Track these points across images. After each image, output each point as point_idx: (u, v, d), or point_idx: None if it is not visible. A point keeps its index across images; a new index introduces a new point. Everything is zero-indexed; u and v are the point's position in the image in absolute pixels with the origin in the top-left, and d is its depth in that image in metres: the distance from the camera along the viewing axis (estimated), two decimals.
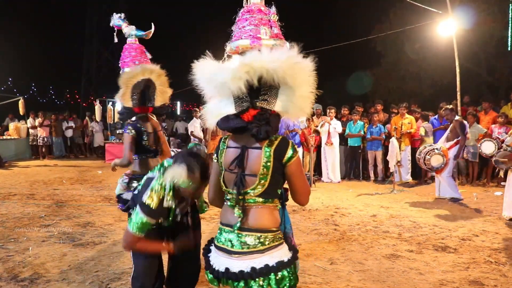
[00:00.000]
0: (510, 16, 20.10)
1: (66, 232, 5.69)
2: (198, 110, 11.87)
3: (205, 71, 2.06)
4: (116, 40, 4.12)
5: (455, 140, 7.62)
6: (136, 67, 3.89)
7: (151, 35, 4.30)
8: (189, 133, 12.49)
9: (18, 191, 8.79)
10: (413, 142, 10.09)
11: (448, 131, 7.97)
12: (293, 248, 2.11)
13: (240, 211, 2.04)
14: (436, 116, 10.14)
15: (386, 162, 9.82)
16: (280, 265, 1.98)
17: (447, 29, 9.48)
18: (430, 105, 12.82)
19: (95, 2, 31.13)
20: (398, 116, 10.27)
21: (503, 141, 6.35)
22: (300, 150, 9.97)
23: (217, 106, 2.10)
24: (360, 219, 6.40)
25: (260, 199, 2.04)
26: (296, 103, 2.01)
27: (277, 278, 1.96)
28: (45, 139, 16.04)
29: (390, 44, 22.48)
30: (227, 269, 2.01)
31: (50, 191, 8.95)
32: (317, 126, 10.46)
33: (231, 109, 2.04)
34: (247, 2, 2.46)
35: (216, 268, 2.06)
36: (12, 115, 16.96)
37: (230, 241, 2.04)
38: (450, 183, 7.75)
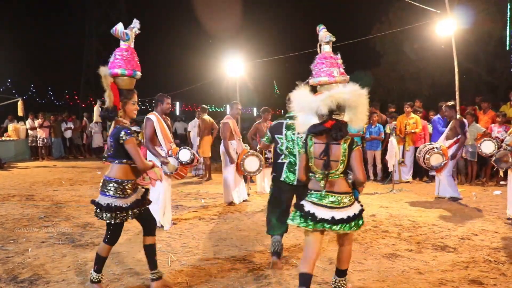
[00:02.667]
0: (508, 16, 20.16)
1: (65, 233, 5.69)
2: (206, 107, 11.71)
3: (304, 99, 3.37)
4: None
5: (454, 139, 7.61)
6: None
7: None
8: (187, 133, 12.50)
9: (18, 192, 8.79)
10: (416, 142, 10.07)
11: (447, 129, 7.95)
12: (360, 204, 3.34)
13: (324, 182, 3.20)
14: (439, 116, 10.08)
15: (385, 162, 9.82)
16: (360, 214, 3.26)
17: (446, 29, 9.48)
18: (430, 104, 12.80)
19: (94, 3, 31.10)
20: (403, 115, 10.25)
21: (502, 141, 6.35)
22: None
23: (306, 119, 3.35)
24: None
25: (341, 175, 3.25)
26: (357, 116, 3.29)
27: (358, 221, 3.23)
28: (45, 140, 16.03)
29: (389, 44, 22.54)
30: (332, 217, 3.15)
31: (50, 192, 8.96)
32: None
33: (314, 120, 3.29)
34: (320, 51, 3.68)
35: (319, 217, 3.17)
36: (11, 116, 16.94)
37: (323, 200, 3.21)
38: (450, 182, 7.74)
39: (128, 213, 3.58)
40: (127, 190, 3.61)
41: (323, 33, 3.71)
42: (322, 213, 3.17)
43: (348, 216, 3.17)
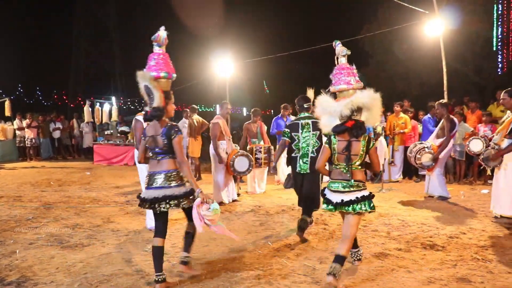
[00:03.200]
0: (495, 17, 20.41)
1: (54, 234, 5.64)
2: (188, 110, 11.77)
3: (328, 104, 4.07)
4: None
5: (444, 138, 7.66)
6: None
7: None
8: None
9: (5, 193, 8.69)
10: (406, 141, 10.14)
11: (438, 128, 8.00)
12: (370, 192, 4.01)
13: (349, 173, 3.91)
14: (429, 115, 10.15)
15: None
16: (368, 196, 3.92)
17: (434, 29, 9.56)
18: (419, 104, 12.79)
19: (84, 1, 30.79)
20: (393, 115, 10.32)
21: (490, 139, 6.41)
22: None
23: (329, 120, 4.05)
24: None
25: (359, 167, 3.95)
26: (372, 116, 4.01)
27: (367, 202, 3.89)
28: (33, 140, 15.87)
29: (378, 44, 22.67)
30: (342, 199, 3.89)
31: (38, 193, 8.87)
32: None
33: (336, 121, 3.97)
34: (337, 63, 4.34)
35: (334, 201, 3.95)
36: None
37: (343, 187, 3.92)
38: (440, 181, 7.80)
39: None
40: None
41: (340, 48, 4.42)
42: (335, 197, 3.95)
43: (362, 197, 3.88)
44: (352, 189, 3.89)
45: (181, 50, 29.56)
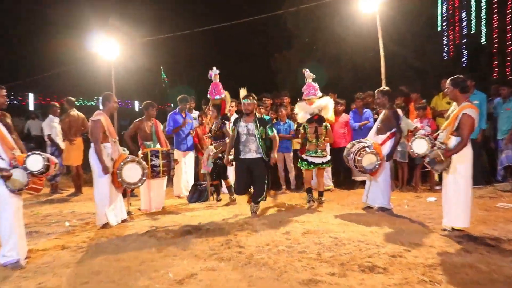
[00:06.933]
0: None
1: None
2: (57, 105, 11.26)
3: (305, 107, 8.90)
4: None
5: (388, 134, 7.81)
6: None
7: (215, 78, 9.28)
8: (45, 136, 11.62)
9: None
10: (340, 142, 10.49)
11: (378, 121, 8.13)
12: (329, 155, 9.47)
13: (320, 144, 8.82)
14: (355, 110, 10.60)
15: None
16: (330, 160, 9.16)
17: (369, 4, 9.93)
18: (350, 93, 12.89)
19: None
20: None
21: (436, 138, 6.62)
22: (192, 154, 10.04)
23: (304, 116, 8.81)
24: (270, 237, 6.44)
25: (323, 141, 8.82)
26: (327, 112, 8.92)
27: (330, 162, 9.20)
28: None
29: (304, 21, 23.13)
30: (322, 161, 8.81)
31: None
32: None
33: (307, 116, 8.80)
34: (306, 82, 9.10)
35: (315, 162, 8.76)
36: None
37: (316, 154, 8.77)
38: (386, 188, 7.88)
39: None
40: None
41: (308, 73, 9.06)
42: (315, 160, 8.61)
43: (327, 160, 8.80)
44: (323, 154, 8.63)
45: (50, 26, 28.38)
